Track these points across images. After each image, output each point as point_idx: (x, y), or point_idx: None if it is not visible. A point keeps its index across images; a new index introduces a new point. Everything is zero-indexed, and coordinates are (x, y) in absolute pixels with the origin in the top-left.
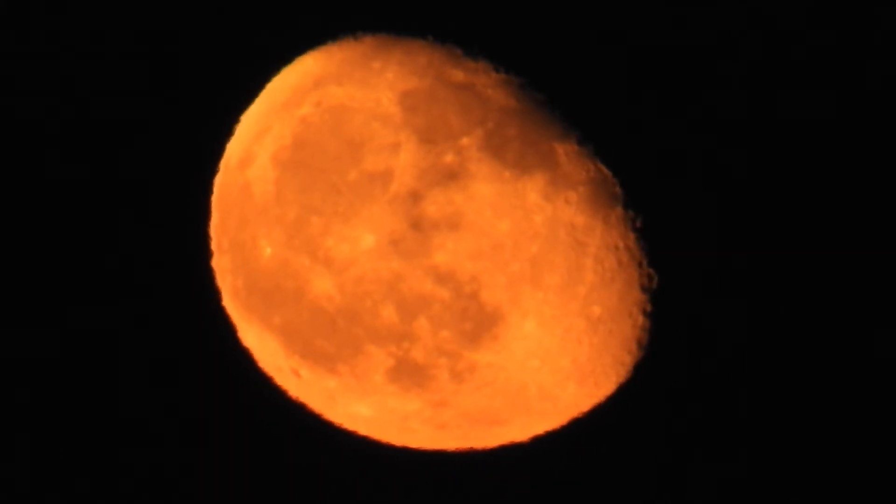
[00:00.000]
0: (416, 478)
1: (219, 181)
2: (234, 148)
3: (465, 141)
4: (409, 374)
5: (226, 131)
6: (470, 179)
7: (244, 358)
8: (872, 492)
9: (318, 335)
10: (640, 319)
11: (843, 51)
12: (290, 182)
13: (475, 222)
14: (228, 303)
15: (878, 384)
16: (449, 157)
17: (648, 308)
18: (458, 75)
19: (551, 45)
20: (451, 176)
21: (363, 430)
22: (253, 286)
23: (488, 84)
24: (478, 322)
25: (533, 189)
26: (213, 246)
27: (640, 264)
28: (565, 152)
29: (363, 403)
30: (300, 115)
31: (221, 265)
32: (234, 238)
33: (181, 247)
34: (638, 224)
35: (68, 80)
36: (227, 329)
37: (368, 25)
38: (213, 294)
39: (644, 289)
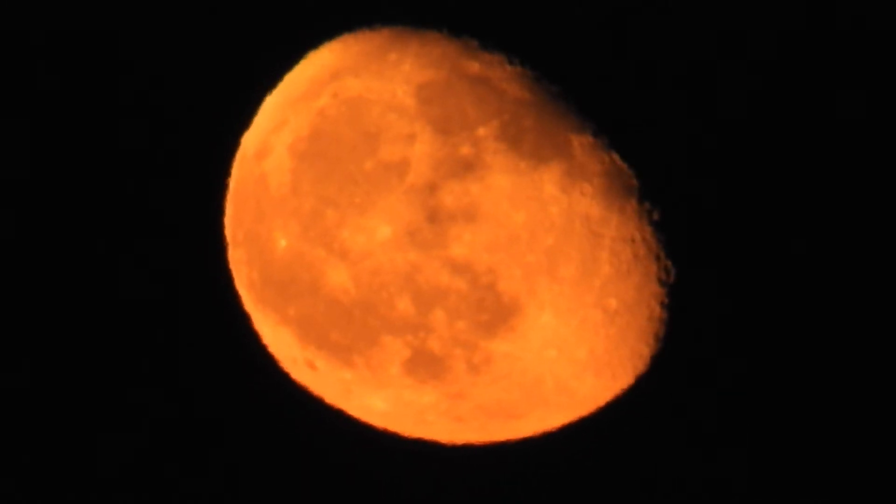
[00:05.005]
0: (432, 470)
1: (235, 173)
2: (251, 139)
3: (481, 132)
4: (425, 365)
5: (243, 123)
6: (486, 170)
7: (259, 350)
8: (888, 489)
9: (333, 327)
10: (658, 312)
11: (850, 48)
12: (307, 173)
13: (491, 213)
14: (244, 295)
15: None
16: (465, 149)
17: (666, 301)
18: (474, 67)
19: (566, 37)
20: (468, 167)
21: (379, 422)
22: (268, 278)
23: (504, 76)
24: (494, 313)
25: (549, 180)
26: (229, 238)
27: (657, 257)
28: (580, 144)
29: (379, 396)
30: (317, 107)
31: (237, 257)
32: (250, 230)
33: (197, 239)
34: (655, 217)
35: (81, 75)
36: (242, 321)
37: (385, 18)
38: (229, 286)
39: (661, 282)
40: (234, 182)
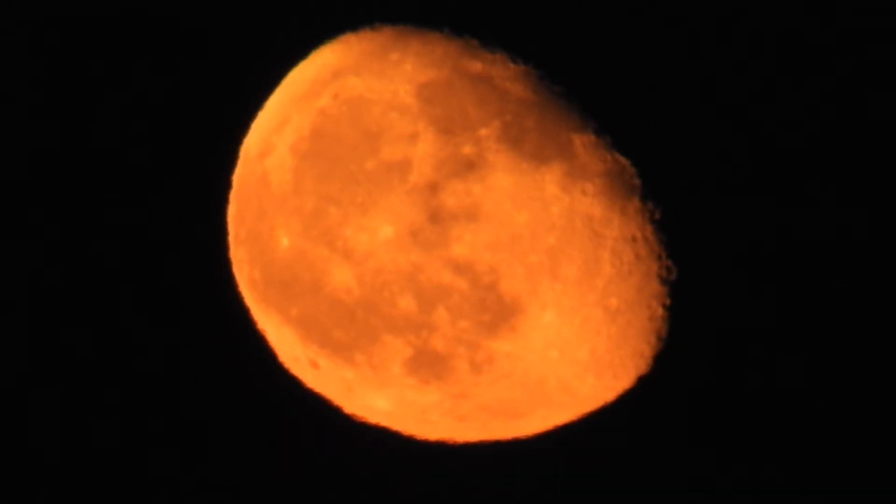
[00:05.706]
0: (434, 470)
1: (237, 172)
2: (253, 139)
3: (483, 132)
4: (427, 364)
5: (245, 122)
6: (488, 170)
7: (261, 349)
8: (888, 489)
9: (336, 326)
10: (659, 311)
11: (851, 47)
12: (309, 172)
13: (493, 213)
14: (246, 293)
15: None
16: (467, 148)
17: (667, 300)
18: (476, 67)
19: (568, 36)
20: (470, 167)
21: (381, 421)
22: (270, 277)
23: (506, 76)
24: (496, 312)
25: (551, 180)
26: (231, 237)
27: (658, 256)
28: (582, 143)
29: (381, 395)
30: (319, 107)
31: (239, 256)
32: (252, 229)
33: (199, 237)
34: (656, 216)
35: (82, 75)
36: (244, 320)
37: (386, 17)
38: (230, 285)
39: (663, 281)
40: (236, 181)
